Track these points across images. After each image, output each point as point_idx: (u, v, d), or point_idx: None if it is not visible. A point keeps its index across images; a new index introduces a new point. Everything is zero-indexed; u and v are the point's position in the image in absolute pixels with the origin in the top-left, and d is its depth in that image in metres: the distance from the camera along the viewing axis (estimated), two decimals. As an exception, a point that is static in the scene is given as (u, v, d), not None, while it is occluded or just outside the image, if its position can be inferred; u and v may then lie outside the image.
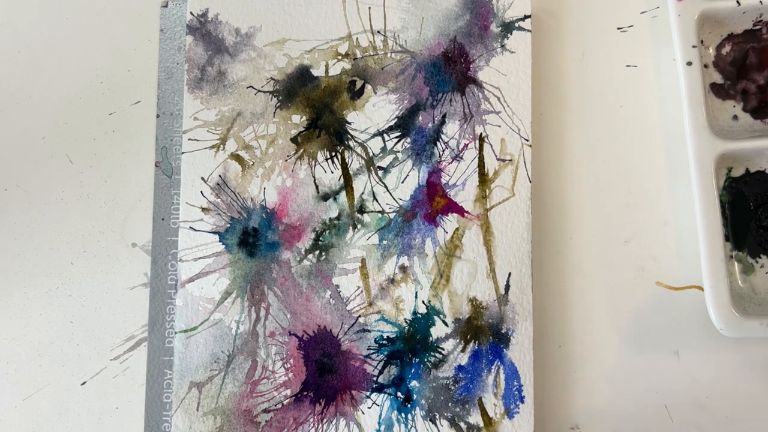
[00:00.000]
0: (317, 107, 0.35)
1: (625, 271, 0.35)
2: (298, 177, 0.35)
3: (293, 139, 0.35)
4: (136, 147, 0.36)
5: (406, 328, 0.34)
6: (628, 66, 0.37)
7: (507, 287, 0.34)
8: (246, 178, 0.35)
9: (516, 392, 0.33)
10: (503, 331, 0.34)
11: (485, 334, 0.34)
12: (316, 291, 0.34)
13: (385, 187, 0.35)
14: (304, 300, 0.34)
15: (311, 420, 0.33)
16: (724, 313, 0.32)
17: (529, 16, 0.35)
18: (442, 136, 0.35)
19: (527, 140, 0.35)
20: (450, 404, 0.33)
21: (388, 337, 0.34)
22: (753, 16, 0.35)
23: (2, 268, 0.36)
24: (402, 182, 0.35)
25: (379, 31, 0.36)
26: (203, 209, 0.34)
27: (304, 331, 0.34)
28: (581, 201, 0.36)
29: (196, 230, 0.34)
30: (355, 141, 0.35)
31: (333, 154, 0.35)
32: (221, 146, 0.35)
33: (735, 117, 0.35)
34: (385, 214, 0.34)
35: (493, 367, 0.33)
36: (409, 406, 0.33)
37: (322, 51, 0.35)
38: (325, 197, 0.35)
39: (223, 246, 0.34)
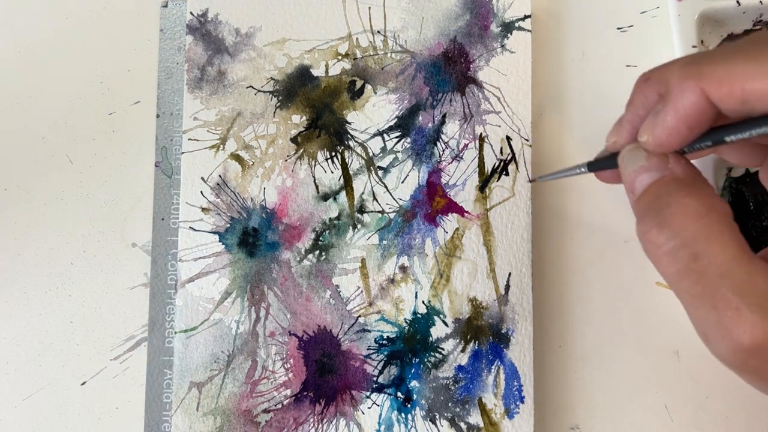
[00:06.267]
0: (317, 107, 0.35)
1: (625, 271, 0.35)
2: (298, 177, 0.35)
3: (293, 139, 0.35)
4: (136, 147, 0.36)
5: (406, 328, 0.34)
6: (628, 66, 0.37)
7: (507, 287, 0.34)
8: (246, 178, 0.35)
9: (516, 392, 0.33)
10: (503, 331, 0.34)
11: (485, 334, 0.34)
12: (316, 291, 0.34)
13: (385, 187, 0.35)
14: (304, 300, 0.34)
15: (311, 420, 0.33)
16: (724, 313, 0.32)
17: (529, 16, 0.35)
18: (442, 136, 0.35)
19: (527, 140, 0.35)
20: (450, 404, 0.33)
21: (388, 337, 0.34)
22: (753, 16, 0.35)
23: (2, 268, 0.36)
24: (402, 182, 0.35)
25: (379, 31, 0.36)
26: (203, 209, 0.34)
27: (304, 331, 0.34)
28: (581, 201, 0.36)
29: (196, 230, 0.34)
30: (355, 141, 0.35)
31: (333, 154, 0.35)
32: (221, 146, 0.35)
33: (735, 117, 0.35)
34: (385, 214, 0.34)
35: (493, 367, 0.33)
36: (409, 406, 0.33)
37: (322, 51, 0.35)
38: (325, 197, 0.35)
39: (223, 246, 0.34)
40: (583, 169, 0.28)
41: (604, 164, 0.26)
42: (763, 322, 0.19)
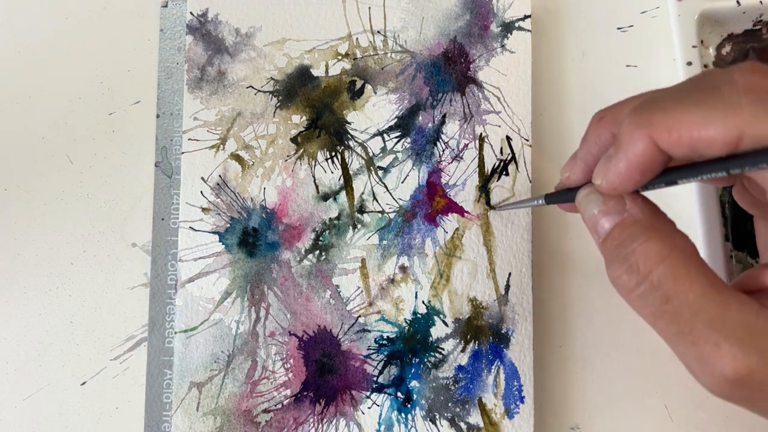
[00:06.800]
0: (317, 107, 0.35)
1: (625, 271, 0.35)
2: (298, 177, 0.35)
3: (293, 139, 0.35)
4: (136, 147, 0.36)
5: (406, 328, 0.34)
6: (628, 66, 0.37)
7: (507, 287, 0.34)
8: (246, 178, 0.35)
9: (516, 392, 0.33)
10: (503, 331, 0.34)
11: (485, 334, 0.34)
12: (316, 291, 0.34)
13: (385, 187, 0.35)
14: (304, 300, 0.34)
15: (311, 420, 0.33)
16: (724, 313, 0.32)
17: (529, 16, 0.35)
18: (442, 136, 0.35)
19: (527, 140, 0.35)
20: (450, 404, 0.33)
21: (388, 337, 0.34)
22: (753, 16, 0.35)
23: (2, 268, 0.36)
24: (402, 182, 0.35)
25: (379, 31, 0.36)
26: (203, 209, 0.34)
27: (304, 331, 0.34)
28: (581, 201, 0.36)
29: (196, 230, 0.34)
30: (355, 141, 0.35)
31: (333, 154, 0.35)
32: (221, 146, 0.35)
33: (735, 117, 0.35)
34: (385, 214, 0.34)
35: (493, 367, 0.33)
36: (409, 406, 0.33)
37: (322, 51, 0.35)
38: (325, 197, 0.35)
39: (223, 246, 0.34)
40: (541, 201, 0.29)
41: (562, 198, 0.27)
42: (743, 354, 0.20)
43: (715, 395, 0.21)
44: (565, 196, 0.27)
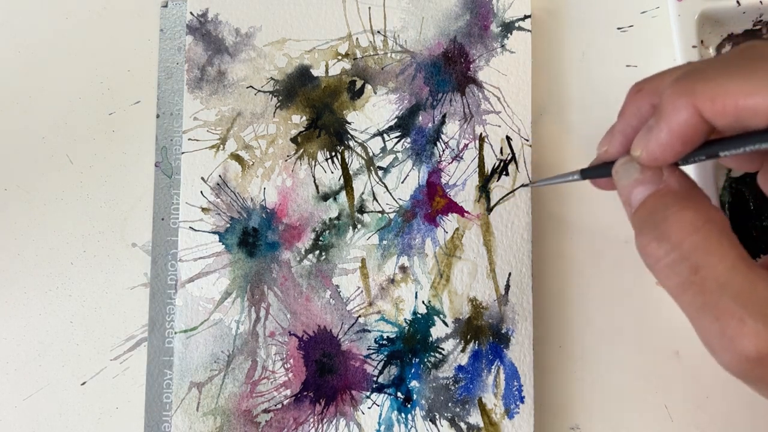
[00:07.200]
0: (317, 107, 0.35)
1: (625, 271, 0.35)
2: (298, 177, 0.35)
3: (293, 139, 0.35)
4: (136, 147, 0.36)
5: (406, 328, 0.34)
6: (628, 66, 0.37)
7: (507, 287, 0.34)
8: (246, 178, 0.35)
9: (516, 392, 0.33)
10: (503, 331, 0.34)
11: (485, 334, 0.34)
12: (316, 291, 0.34)
13: (385, 187, 0.35)
14: (304, 300, 0.34)
15: (311, 420, 0.33)
16: (724, 313, 0.32)
17: (529, 16, 0.35)
18: (442, 136, 0.35)
19: (527, 140, 0.35)
20: (450, 404, 0.33)
21: (388, 337, 0.34)
22: (753, 16, 0.35)
23: (2, 268, 0.36)
24: (402, 182, 0.35)
25: (379, 31, 0.36)
26: (203, 209, 0.34)
27: (304, 331, 0.34)
28: (581, 201, 0.36)
29: (196, 230, 0.34)
30: (355, 141, 0.35)
31: (333, 154, 0.35)
32: (221, 146, 0.35)
33: (735, 117, 0.35)
34: (385, 214, 0.34)
35: (493, 367, 0.33)
36: (409, 406, 0.33)
37: (322, 51, 0.35)
38: (325, 197, 0.35)
39: (223, 246, 0.34)
40: (576, 176, 0.28)
41: (598, 172, 0.27)
42: (767, 331, 0.19)
43: (732, 373, 0.21)
44: (601, 170, 0.26)
